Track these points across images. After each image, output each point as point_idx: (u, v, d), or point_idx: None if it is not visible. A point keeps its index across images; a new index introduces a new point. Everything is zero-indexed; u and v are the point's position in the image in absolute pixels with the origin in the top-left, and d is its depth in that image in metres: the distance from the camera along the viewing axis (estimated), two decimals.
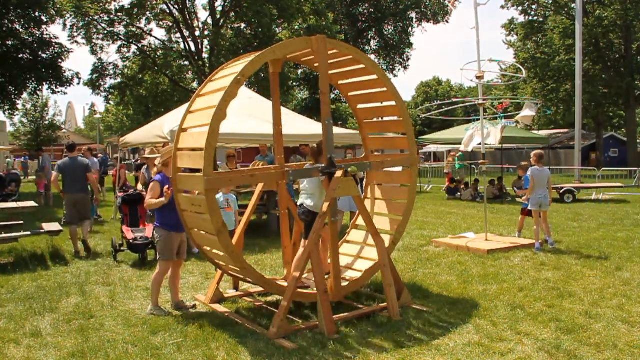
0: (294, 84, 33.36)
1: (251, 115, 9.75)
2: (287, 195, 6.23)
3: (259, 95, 11.96)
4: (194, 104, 5.25)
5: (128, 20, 25.17)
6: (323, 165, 5.35)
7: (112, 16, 24.93)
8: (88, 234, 8.69)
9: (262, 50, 5.03)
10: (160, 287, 5.47)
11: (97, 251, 8.65)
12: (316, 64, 5.47)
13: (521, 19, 33.87)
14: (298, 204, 5.90)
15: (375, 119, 6.73)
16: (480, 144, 9.78)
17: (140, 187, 8.76)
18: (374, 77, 5.79)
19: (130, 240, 7.68)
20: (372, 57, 40.35)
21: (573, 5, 28.43)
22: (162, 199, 5.23)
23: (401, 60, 42.94)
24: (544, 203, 8.30)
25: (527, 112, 9.77)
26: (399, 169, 6.60)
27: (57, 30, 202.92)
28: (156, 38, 27.81)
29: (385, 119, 6.68)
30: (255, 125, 9.44)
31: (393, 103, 5.96)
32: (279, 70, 5.61)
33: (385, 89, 5.85)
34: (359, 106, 6.44)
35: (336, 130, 10.38)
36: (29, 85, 23.28)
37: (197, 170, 4.69)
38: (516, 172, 17.46)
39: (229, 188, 7.29)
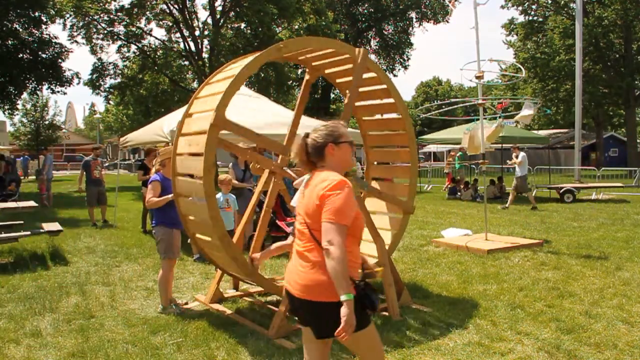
0: (294, 84, 33.34)
1: (251, 115, 9.73)
2: (289, 196, 6.25)
3: (259, 94, 11.96)
4: (192, 107, 5.25)
5: (128, 20, 25.18)
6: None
7: (112, 16, 24.94)
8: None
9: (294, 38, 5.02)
10: (168, 285, 5.48)
11: (97, 251, 8.67)
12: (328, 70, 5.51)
13: (521, 18, 33.91)
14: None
15: (376, 116, 6.71)
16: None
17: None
18: (372, 74, 5.78)
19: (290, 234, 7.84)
20: (372, 57, 40.38)
21: (573, 5, 28.44)
22: (168, 196, 5.26)
23: (401, 60, 42.99)
24: None
25: (526, 112, 9.77)
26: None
27: (57, 30, 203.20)
28: (156, 38, 27.83)
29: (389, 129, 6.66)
30: (255, 125, 9.41)
31: (393, 103, 5.95)
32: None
33: (385, 86, 5.84)
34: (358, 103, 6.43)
35: None
36: (29, 85, 23.31)
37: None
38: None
39: (229, 188, 7.29)
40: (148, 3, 25.02)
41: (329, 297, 2.53)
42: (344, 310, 2.42)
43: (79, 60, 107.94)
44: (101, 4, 24.40)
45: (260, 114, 9.21)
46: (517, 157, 14.15)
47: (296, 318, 2.73)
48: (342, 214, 2.52)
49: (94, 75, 26.58)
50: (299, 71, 34.64)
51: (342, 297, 2.43)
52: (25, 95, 30.09)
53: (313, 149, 2.75)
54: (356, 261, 2.70)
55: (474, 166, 21.20)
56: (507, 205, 13.97)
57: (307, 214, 2.67)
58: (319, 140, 2.74)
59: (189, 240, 6.83)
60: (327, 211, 2.52)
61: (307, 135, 2.81)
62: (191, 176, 4.96)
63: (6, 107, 23.77)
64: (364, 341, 2.68)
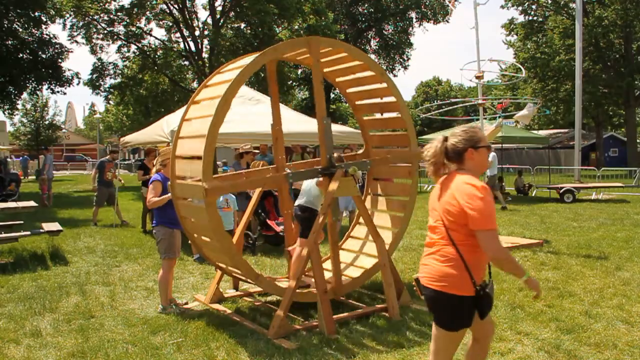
0: (294, 83, 33.33)
1: (252, 115, 9.74)
2: (289, 196, 6.25)
3: (260, 93, 11.94)
4: (189, 112, 5.25)
5: (128, 20, 25.15)
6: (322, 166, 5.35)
7: (111, 16, 24.90)
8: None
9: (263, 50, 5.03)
10: (168, 285, 5.48)
11: (97, 251, 8.67)
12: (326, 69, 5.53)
13: (521, 18, 33.90)
14: (295, 204, 5.91)
15: (375, 114, 6.72)
16: None
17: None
18: (372, 73, 5.78)
19: (280, 233, 8.05)
20: (372, 57, 40.36)
21: (573, 5, 28.42)
22: (167, 196, 5.26)
23: (401, 60, 42.95)
24: None
25: (525, 112, 9.79)
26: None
27: (57, 30, 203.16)
28: (156, 38, 27.78)
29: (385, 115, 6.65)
30: (255, 124, 9.42)
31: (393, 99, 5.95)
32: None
33: (385, 85, 5.83)
34: (356, 100, 6.43)
35: (334, 127, 10.38)
36: (28, 85, 23.28)
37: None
38: (516, 171, 17.36)
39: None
40: (148, 3, 24.99)
41: (451, 290, 2.81)
42: (530, 283, 2.81)
43: (79, 60, 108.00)
44: (101, 4, 24.37)
45: (264, 118, 9.25)
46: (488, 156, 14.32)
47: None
48: (488, 220, 2.74)
49: (94, 75, 26.54)
50: (299, 71, 34.66)
51: (524, 278, 2.80)
52: (25, 95, 30.13)
53: (453, 153, 2.93)
54: (482, 264, 2.90)
55: None
56: (504, 205, 14.13)
57: (445, 214, 2.86)
58: (459, 145, 2.92)
59: (189, 241, 6.83)
60: (476, 220, 2.72)
61: (445, 139, 2.97)
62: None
63: (6, 107, 23.75)
64: (445, 341, 2.97)
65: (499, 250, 2.73)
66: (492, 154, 14.23)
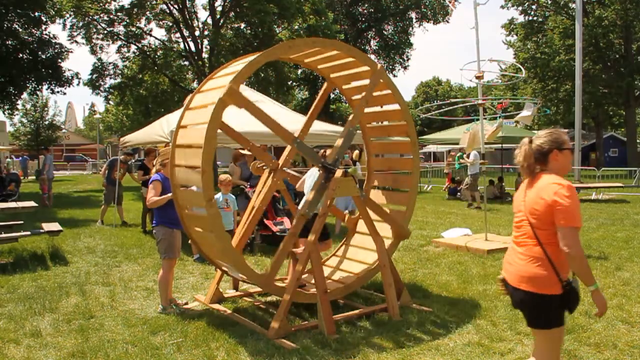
0: (294, 83, 33.33)
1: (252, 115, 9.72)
2: (289, 195, 6.26)
3: (259, 93, 11.93)
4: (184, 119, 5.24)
5: (128, 20, 25.17)
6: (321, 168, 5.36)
7: (111, 16, 24.92)
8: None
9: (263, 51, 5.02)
10: (168, 285, 5.48)
11: (97, 251, 8.67)
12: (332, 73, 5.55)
13: (521, 19, 33.90)
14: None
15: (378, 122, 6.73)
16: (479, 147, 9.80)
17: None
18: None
19: (277, 233, 8.17)
20: (372, 57, 40.38)
21: (573, 5, 28.44)
22: (167, 195, 5.26)
23: (401, 60, 42.95)
24: None
25: (526, 113, 9.79)
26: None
27: (57, 30, 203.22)
28: (156, 38, 27.82)
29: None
30: (255, 124, 9.41)
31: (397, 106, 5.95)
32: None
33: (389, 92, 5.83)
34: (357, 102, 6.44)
35: (333, 127, 10.37)
36: (28, 85, 23.27)
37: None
38: (516, 171, 17.35)
39: (228, 188, 7.31)
40: (148, 3, 25.00)
41: (542, 290, 2.86)
42: (597, 297, 2.80)
43: (79, 60, 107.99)
44: (101, 4, 24.39)
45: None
46: (468, 156, 14.39)
47: (512, 303, 3.12)
48: (575, 218, 2.78)
49: (94, 76, 26.57)
50: (299, 71, 34.65)
51: (591, 288, 2.80)
52: (25, 95, 30.08)
53: (538, 154, 3.00)
54: (567, 263, 2.89)
55: None
56: (477, 205, 14.20)
57: (531, 214, 2.93)
58: (545, 146, 2.98)
59: (189, 241, 6.83)
60: (562, 217, 2.79)
61: (530, 141, 3.05)
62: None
63: (6, 107, 23.74)
64: (548, 340, 2.99)
65: (578, 249, 2.77)
66: (474, 152, 14.26)
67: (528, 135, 3.52)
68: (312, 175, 5.92)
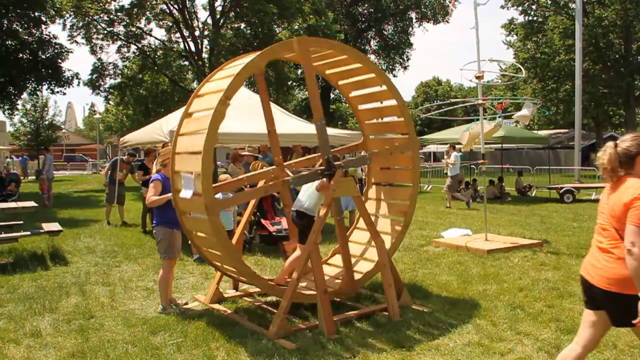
0: (294, 84, 33.34)
1: (251, 115, 9.72)
2: (289, 196, 6.25)
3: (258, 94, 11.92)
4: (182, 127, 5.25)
5: (128, 20, 25.17)
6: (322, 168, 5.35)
7: (111, 16, 24.92)
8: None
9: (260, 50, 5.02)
10: (168, 285, 5.48)
11: (97, 251, 8.67)
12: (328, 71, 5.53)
13: (521, 19, 33.89)
14: (292, 208, 5.85)
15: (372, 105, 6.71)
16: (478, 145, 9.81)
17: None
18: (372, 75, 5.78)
19: (273, 233, 8.17)
20: (372, 57, 40.40)
21: (573, 5, 28.44)
22: (167, 195, 5.26)
23: (401, 60, 42.91)
24: None
25: (525, 112, 9.80)
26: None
27: (56, 30, 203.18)
28: (156, 38, 27.82)
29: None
30: (255, 125, 9.42)
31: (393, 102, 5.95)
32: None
33: (385, 87, 5.83)
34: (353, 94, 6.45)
35: (333, 131, 10.37)
36: (28, 85, 23.27)
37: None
38: (516, 171, 17.37)
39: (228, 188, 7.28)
40: (148, 3, 25.00)
41: (629, 290, 2.87)
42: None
43: (79, 60, 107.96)
44: (101, 4, 24.38)
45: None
46: (450, 157, 14.56)
47: (586, 300, 3.16)
48: None
49: (94, 76, 26.56)
50: (299, 71, 34.64)
51: None
52: (25, 95, 30.08)
53: (625, 157, 3.03)
54: None
55: (473, 166, 21.21)
56: (449, 206, 14.36)
57: (613, 216, 2.99)
58: (632, 149, 3.02)
59: (189, 241, 6.83)
60: (632, 215, 2.83)
61: (615, 144, 3.07)
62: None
63: (6, 107, 23.74)
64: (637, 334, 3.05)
65: (639, 247, 2.78)
66: (455, 154, 14.30)
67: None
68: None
